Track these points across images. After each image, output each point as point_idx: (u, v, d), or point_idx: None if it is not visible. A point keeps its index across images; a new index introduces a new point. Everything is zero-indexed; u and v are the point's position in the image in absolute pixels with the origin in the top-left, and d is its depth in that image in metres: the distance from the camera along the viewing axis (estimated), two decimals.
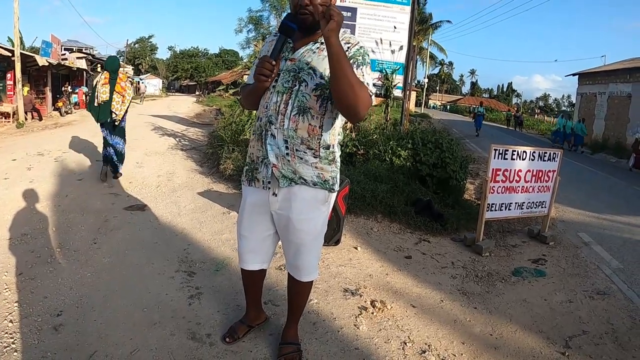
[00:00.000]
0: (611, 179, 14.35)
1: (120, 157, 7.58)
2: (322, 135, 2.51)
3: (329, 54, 2.19)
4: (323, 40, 2.30)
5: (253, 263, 2.92)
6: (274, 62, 2.39)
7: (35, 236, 4.76)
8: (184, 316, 3.42)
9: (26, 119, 17.51)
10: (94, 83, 7.50)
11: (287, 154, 2.50)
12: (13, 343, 2.91)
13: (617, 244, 6.76)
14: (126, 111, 7.45)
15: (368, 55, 2.50)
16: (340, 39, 2.33)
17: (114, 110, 7.17)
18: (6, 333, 3.00)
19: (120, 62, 8.52)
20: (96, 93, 7.17)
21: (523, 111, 63.50)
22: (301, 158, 2.51)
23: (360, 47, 2.47)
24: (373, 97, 2.40)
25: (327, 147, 2.56)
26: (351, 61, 2.36)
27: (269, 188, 2.60)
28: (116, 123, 7.32)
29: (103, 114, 7.17)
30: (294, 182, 2.55)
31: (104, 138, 7.43)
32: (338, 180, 2.70)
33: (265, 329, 3.31)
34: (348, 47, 2.42)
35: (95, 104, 7.18)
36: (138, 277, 4.03)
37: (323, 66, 2.43)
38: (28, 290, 3.60)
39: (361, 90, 2.26)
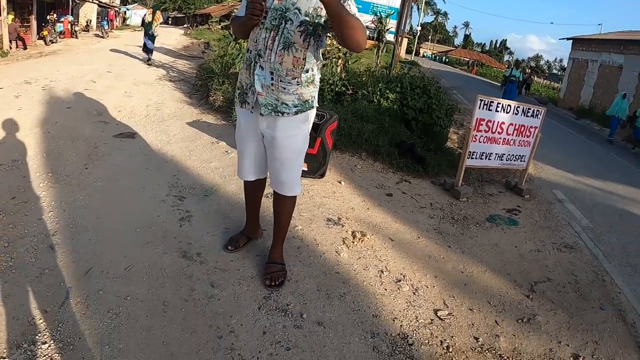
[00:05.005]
0: (592, 145, 14.51)
1: (148, 50, 14.57)
2: (305, 65, 2.74)
3: (326, 7, 2.41)
4: None
5: (249, 174, 3.21)
6: (262, 3, 2.58)
7: (26, 162, 4.77)
8: (175, 236, 3.59)
9: (10, 47, 17.14)
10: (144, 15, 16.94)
11: (272, 84, 2.73)
12: (11, 260, 3.03)
13: (589, 205, 7.02)
14: (156, 27, 14.60)
15: None
16: None
17: (153, 26, 14.47)
18: (4, 253, 3.09)
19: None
20: (146, 19, 15.40)
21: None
22: (284, 88, 2.74)
23: None
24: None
25: (307, 71, 2.78)
26: None
27: (254, 110, 2.86)
28: (149, 33, 14.42)
29: (148, 28, 14.59)
30: (275, 110, 2.79)
31: (144, 42, 14.77)
32: (316, 98, 2.96)
33: (252, 249, 3.52)
34: None
35: (146, 23, 15.27)
36: (130, 200, 4.14)
37: (307, 5, 2.63)
38: (22, 212, 3.67)
39: (359, 27, 2.47)
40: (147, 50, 14.72)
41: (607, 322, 3.77)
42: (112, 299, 2.79)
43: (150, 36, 14.57)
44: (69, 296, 2.77)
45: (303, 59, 2.71)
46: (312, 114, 2.96)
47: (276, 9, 2.65)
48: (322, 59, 2.93)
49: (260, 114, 2.83)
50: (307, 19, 2.62)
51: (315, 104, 2.96)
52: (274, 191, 3.16)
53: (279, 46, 2.65)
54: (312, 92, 2.88)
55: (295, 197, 3.19)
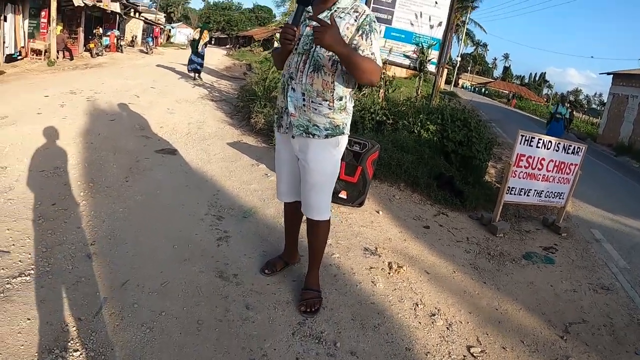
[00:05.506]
0: (631, 183, 14.17)
1: (198, 68, 15.59)
2: (334, 89, 2.83)
3: (338, 56, 2.60)
4: (337, 7, 2.75)
5: (286, 195, 3.31)
6: (295, 29, 2.67)
7: (68, 170, 4.88)
8: (212, 256, 3.62)
9: (57, 57, 17.73)
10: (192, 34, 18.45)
11: (304, 105, 2.85)
12: (49, 266, 3.10)
13: (627, 245, 6.83)
14: (205, 45, 15.90)
15: (375, 22, 2.82)
16: (350, 7, 2.80)
17: (198, 45, 15.43)
18: (42, 258, 3.17)
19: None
20: (192, 37, 16.84)
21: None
22: (316, 109, 2.84)
23: (367, 15, 2.78)
24: (379, 62, 2.73)
25: (340, 99, 2.88)
26: (360, 31, 2.73)
27: (288, 132, 2.97)
28: (199, 50, 15.43)
29: (192, 47, 15.67)
30: (306, 132, 2.88)
31: (189, 58, 15.74)
32: (349, 125, 3.03)
33: (289, 275, 3.52)
34: (357, 16, 2.77)
35: (191, 40, 16.84)
36: (169, 216, 4.20)
37: None
38: (61, 220, 3.75)
39: (372, 69, 2.64)
40: (195, 68, 15.68)
41: None
42: (147, 313, 2.82)
43: (197, 54, 15.59)
44: (103, 306, 2.81)
45: (332, 82, 2.81)
46: (343, 140, 3.02)
47: (307, 35, 2.80)
48: (354, 86, 3.01)
49: (292, 136, 2.94)
50: None
51: (347, 131, 3.03)
52: (307, 217, 3.19)
53: (309, 68, 2.79)
54: (343, 119, 2.95)
55: (327, 222, 3.20)
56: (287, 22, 2.82)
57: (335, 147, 2.97)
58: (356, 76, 2.67)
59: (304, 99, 2.84)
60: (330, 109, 2.85)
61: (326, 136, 2.89)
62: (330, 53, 2.71)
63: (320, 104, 2.83)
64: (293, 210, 3.39)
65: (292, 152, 3.05)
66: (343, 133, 2.97)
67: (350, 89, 2.95)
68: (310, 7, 2.84)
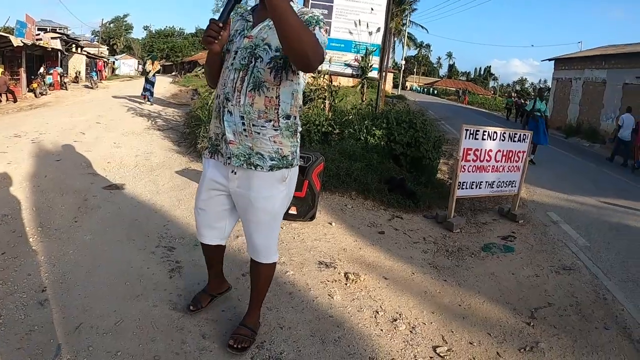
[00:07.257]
0: (582, 162, 14.62)
1: (149, 93, 18.09)
2: (279, 105, 2.53)
3: (268, 4, 2.05)
4: None
5: (210, 238, 2.97)
6: (220, 24, 2.39)
7: (16, 216, 4.74)
8: (165, 288, 3.54)
9: (0, 100, 17.28)
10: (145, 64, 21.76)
11: (244, 129, 2.51)
12: (0, 318, 2.97)
13: (585, 224, 7.01)
14: (154, 74, 18.39)
15: (323, 22, 2.47)
16: (297, 11, 2.38)
17: (148, 74, 18.26)
18: None
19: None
20: (145, 67, 19.86)
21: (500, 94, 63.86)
22: (259, 133, 2.51)
23: (313, 13, 2.48)
24: (321, 44, 2.28)
25: (288, 117, 2.57)
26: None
27: (229, 164, 2.62)
28: (148, 77, 18.13)
29: (145, 75, 18.54)
30: (248, 162, 2.55)
31: (144, 86, 18.28)
32: (297, 155, 2.73)
33: (244, 298, 3.43)
34: (302, 15, 2.41)
35: (145, 71, 19.31)
36: (120, 252, 4.10)
37: (277, 40, 2.26)
38: (12, 268, 3.63)
39: (307, 35, 2.14)
40: (147, 93, 18.11)
41: (612, 342, 3.70)
42: (103, 354, 2.73)
43: (149, 82, 18.22)
44: (59, 353, 2.71)
45: (276, 97, 2.50)
46: (291, 173, 2.70)
47: (246, 47, 2.50)
48: (301, 103, 2.69)
49: (233, 172, 2.64)
50: (278, 54, 2.44)
51: (296, 162, 2.71)
52: (251, 257, 2.93)
53: (248, 86, 2.47)
54: (292, 148, 2.65)
55: (273, 265, 2.94)
56: (213, 19, 2.42)
57: (282, 182, 2.65)
58: (289, 43, 2.11)
59: (243, 123, 2.49)
60: (276, 130, 2.53)
61: (271, 168, 2.57)
62: (272, 64, 2.43)
63: (263, 126, 2.50)
64: (213, 249, 3.07)
65: (225, 185, 2.71)
66: (291, 165, 2.66)
67: (298, 106, 2.64)
68: (250, 16, 2.59)
